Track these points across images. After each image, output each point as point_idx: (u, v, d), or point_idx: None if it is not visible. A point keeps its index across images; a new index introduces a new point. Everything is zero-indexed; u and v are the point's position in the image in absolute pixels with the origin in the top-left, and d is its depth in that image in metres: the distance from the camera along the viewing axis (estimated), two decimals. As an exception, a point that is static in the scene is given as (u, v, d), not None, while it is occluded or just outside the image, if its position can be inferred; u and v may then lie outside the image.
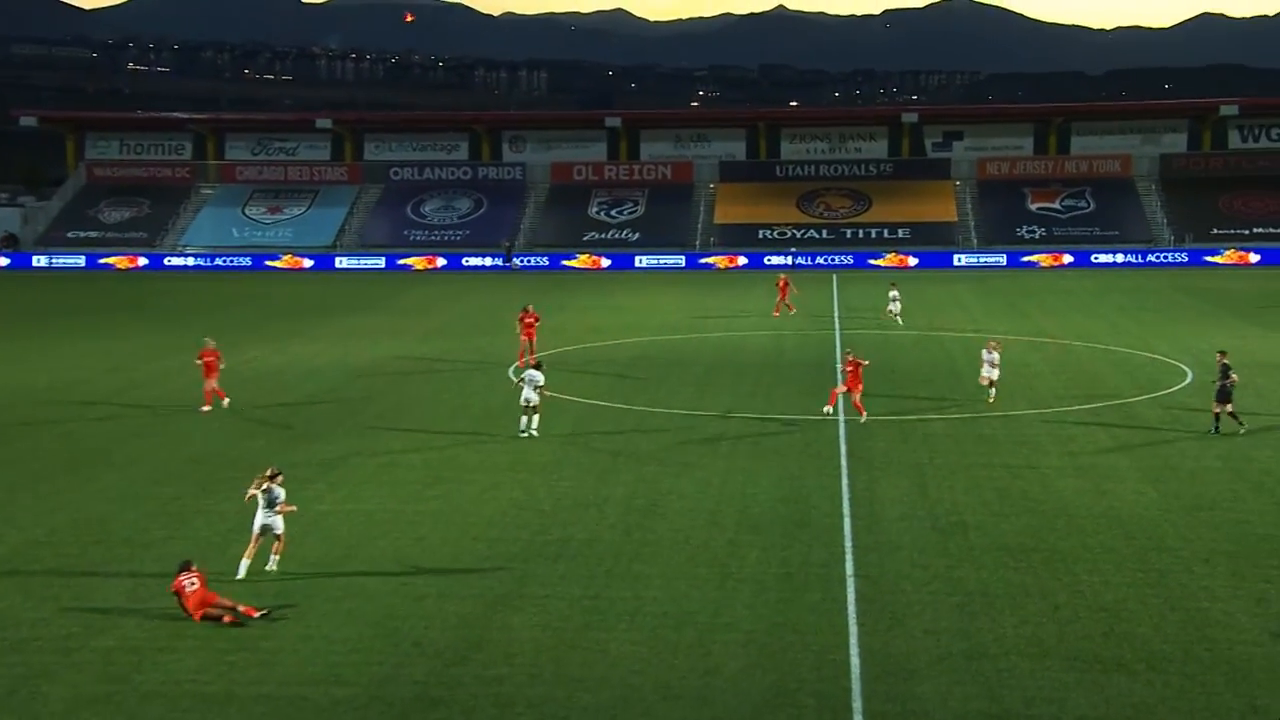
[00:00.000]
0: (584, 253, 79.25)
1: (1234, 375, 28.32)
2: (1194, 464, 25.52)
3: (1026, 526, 21.42)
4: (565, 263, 78.28)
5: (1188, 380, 35.13)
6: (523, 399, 28.60)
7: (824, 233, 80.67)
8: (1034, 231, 78.64)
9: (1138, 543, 20.42)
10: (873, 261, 75.49)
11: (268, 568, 19.19)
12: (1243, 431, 27.90)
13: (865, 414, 29.87)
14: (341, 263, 79.46)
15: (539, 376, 28.73)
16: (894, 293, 50.13)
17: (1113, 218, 78.76)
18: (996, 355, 32.48)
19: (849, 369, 30.18)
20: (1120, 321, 48.33)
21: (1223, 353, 29.58)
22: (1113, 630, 16.64)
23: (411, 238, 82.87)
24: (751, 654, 16.15)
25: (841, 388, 30.59)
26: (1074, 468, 25.38)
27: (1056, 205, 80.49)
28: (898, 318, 48.76)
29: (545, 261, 78.58)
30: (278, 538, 19.28)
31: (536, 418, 28.65)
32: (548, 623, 17.25)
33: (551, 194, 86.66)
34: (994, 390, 32.18)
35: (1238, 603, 17.55)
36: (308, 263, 79.50)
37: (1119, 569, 19.15)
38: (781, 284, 52.99)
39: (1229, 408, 28.13)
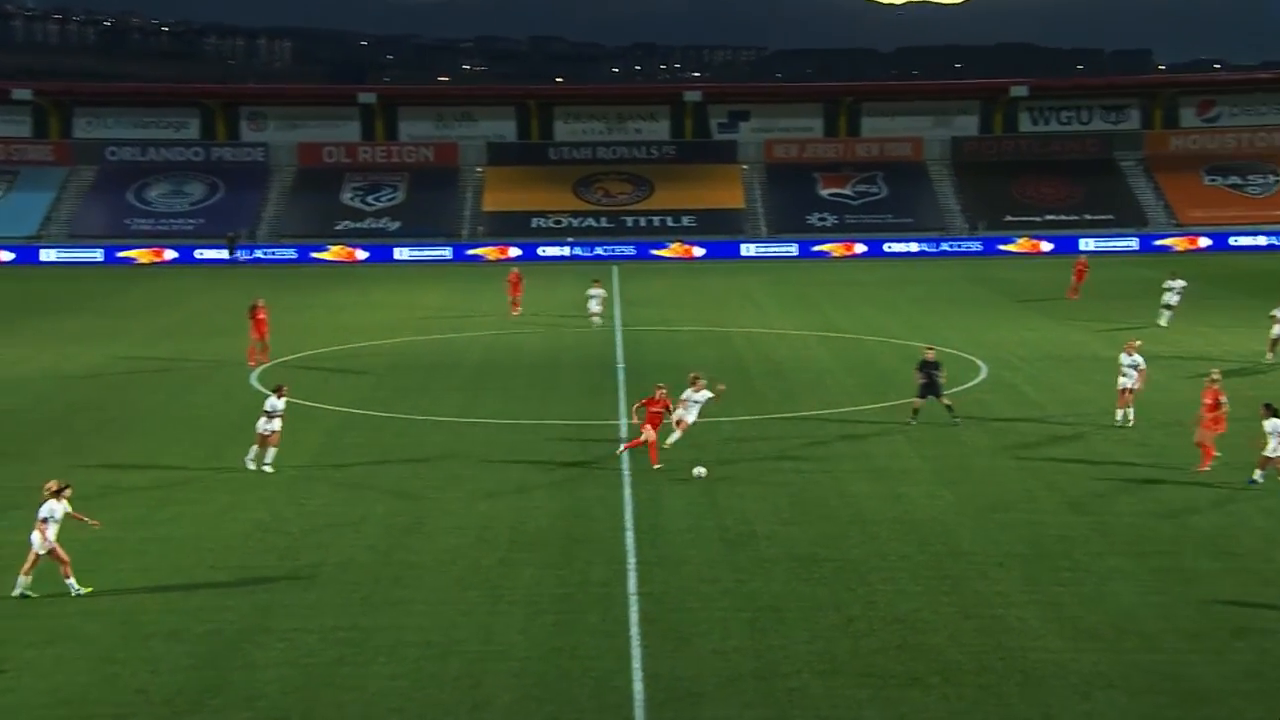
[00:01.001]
0: (337, 244, 77.72)
1: (944, 373, 30.63)
2: (988, 463, 26.87)
3: (820, 535, 22.13)
4: (316, 255, 76.61)
5: (982, 376, 36.96)
6: (260, 427, 26.54)
7: (603, 220, 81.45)
8: (825, 219, 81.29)
9: (932, 548, 21.36)
10: (656, 252, 76.63)
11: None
12: (957, 422, 29.91)
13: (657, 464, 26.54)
14: (47, 255, 75.73)
15: (279, 404, 26.51)
16: (597, 290, 48.42)
17: (905, 204, 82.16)
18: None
19: (657, 407, 26.94)
20: (913, 315, 50.48)
21: (930, 347, 31.74)
22: (907, 642, 17.36)
23: (134, 227, 79.58)
24: (525, 684, 16.17)
25: (648, 432, 26.75)
26: (868, 471, 26.37)
27: (848, 191, 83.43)
28: (596, 318, 47.58)
29: (293, 254, 76.74)
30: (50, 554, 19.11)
31: (273, 451, 26.47)
32: (296, 659, 16.87)
33: (299, 178, 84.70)
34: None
35: (1032, 608, 18.57)
36: (6, 255, 75.49)
37: (914, 577, 19.99)
38: (513, 279, 51.86)
39: (943, 400, 30.15)
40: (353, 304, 56.05)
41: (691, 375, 28.29)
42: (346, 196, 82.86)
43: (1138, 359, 29.88)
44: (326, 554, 21.15)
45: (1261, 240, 74.68)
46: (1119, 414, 30.01)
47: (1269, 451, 24.07)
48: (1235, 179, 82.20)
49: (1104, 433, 29.40)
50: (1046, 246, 75.58)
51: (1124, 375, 29.93)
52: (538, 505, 24.02)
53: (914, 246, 76.53)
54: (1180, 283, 45.56)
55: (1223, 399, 26.20)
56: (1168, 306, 45.16)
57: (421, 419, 31.79)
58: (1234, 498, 23.88)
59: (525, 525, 22.77)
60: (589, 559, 20.93)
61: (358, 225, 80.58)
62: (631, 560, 20.82)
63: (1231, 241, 74.70)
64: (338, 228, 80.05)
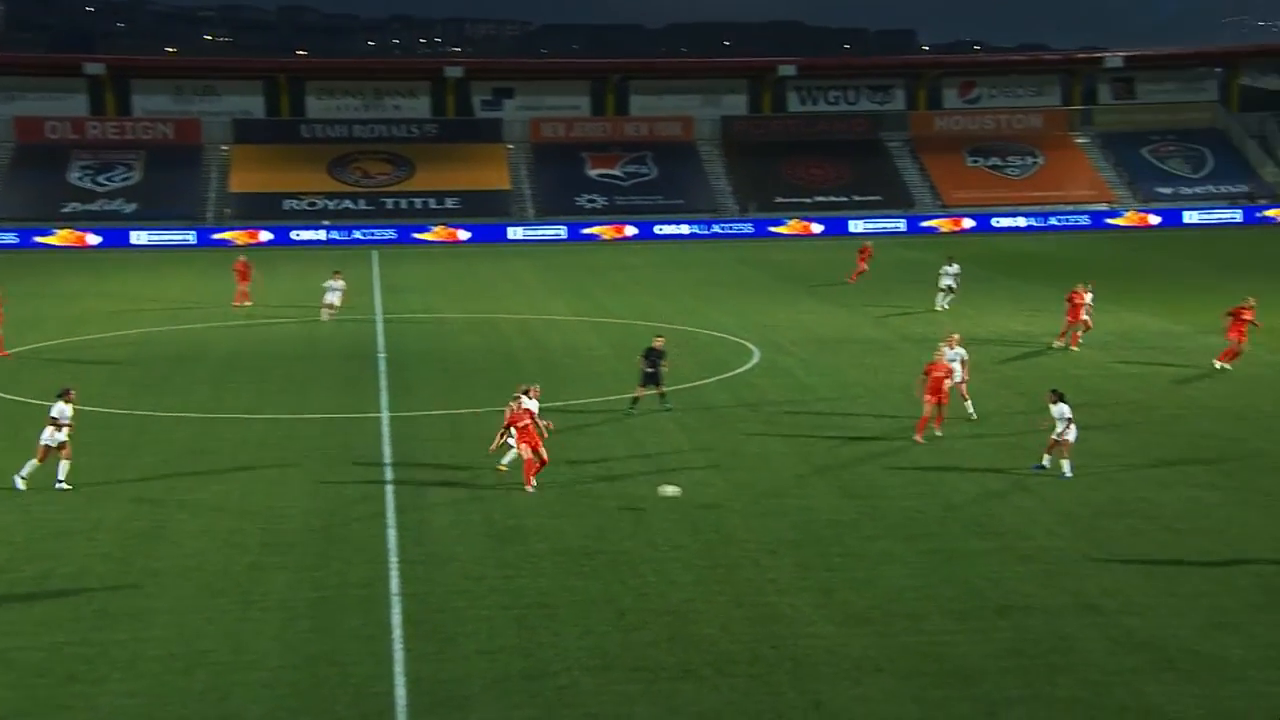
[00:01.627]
0: (64, 227, 74.43)
1: (667, 363, 30.93)
2: (760, 449, 27.51)
3: (590, 527, 22.28)
4: (40, 240, 73.18)
5: (754, 360, 37.82)
6: (44, 439, 24.37)
7: (361, 202, 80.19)
8: (594, 201, 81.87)
9: (705, 537, 21.76)
10: (419, 236, 75.83)
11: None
12: (670, 408, 30.53)
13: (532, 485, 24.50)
14: None
15: (67, 411, 24.49)
16: (336, 282, 46.31)
17: (676, 185, 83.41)
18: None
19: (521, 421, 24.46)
20: (685, 299, 51.31)
21: (659, 336, 32.09)
22: (679, 634, 17.65)
23: None
24: (278, 694, 15.82)
25: (524, 450, 24.59)
26: (639, 459, 26.68)
27: (618, 171, 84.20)
28: (328, 310, 45.67)
29: (13, 239, 73.08)
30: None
31: (65, 465, 24.33)
32: (20, 680, 16.11)
33: (18, 155, 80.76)
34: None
35: (803, 594, 19.11)
36: None
37: (686, 567, 20.33)
38: (240, 267, 50.13)
39: (660, 389, 30.66)
40: (85, 292, 53.79)
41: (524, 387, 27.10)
42: (74, 176, 79.40)
43: (960, 351, 30.03)
44: (55, 564, 20.25)
45: (1021, 221, 78.48)
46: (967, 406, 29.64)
47: (1056, 435, 25.01)
48: (996, 160, 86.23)
49: (875, 417, 30.42)
50: (817, 228, 77.82)
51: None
52: (292, 505, 23.51)
53: (685, 229, 77.79)
54: (955, 267, 47.33)
55: (940, 372, 28.06)
56: (945, 290, 46.82)
57: (164, 415, 30.74)
58: (997, 480, 25.03)
59: (279, 526, 22.26)
60: (348, 559, 20.60)
61: (88, 207, 77.35)
62: (394, 559, 20.58)
63: (994, 223, 78.29)
64: (65, 210, 76.68)
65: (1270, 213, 78.20)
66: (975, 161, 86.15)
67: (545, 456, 24.53)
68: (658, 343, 31.30)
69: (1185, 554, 20.51)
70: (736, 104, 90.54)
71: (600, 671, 16.51)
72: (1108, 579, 19.51)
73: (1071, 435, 24.90)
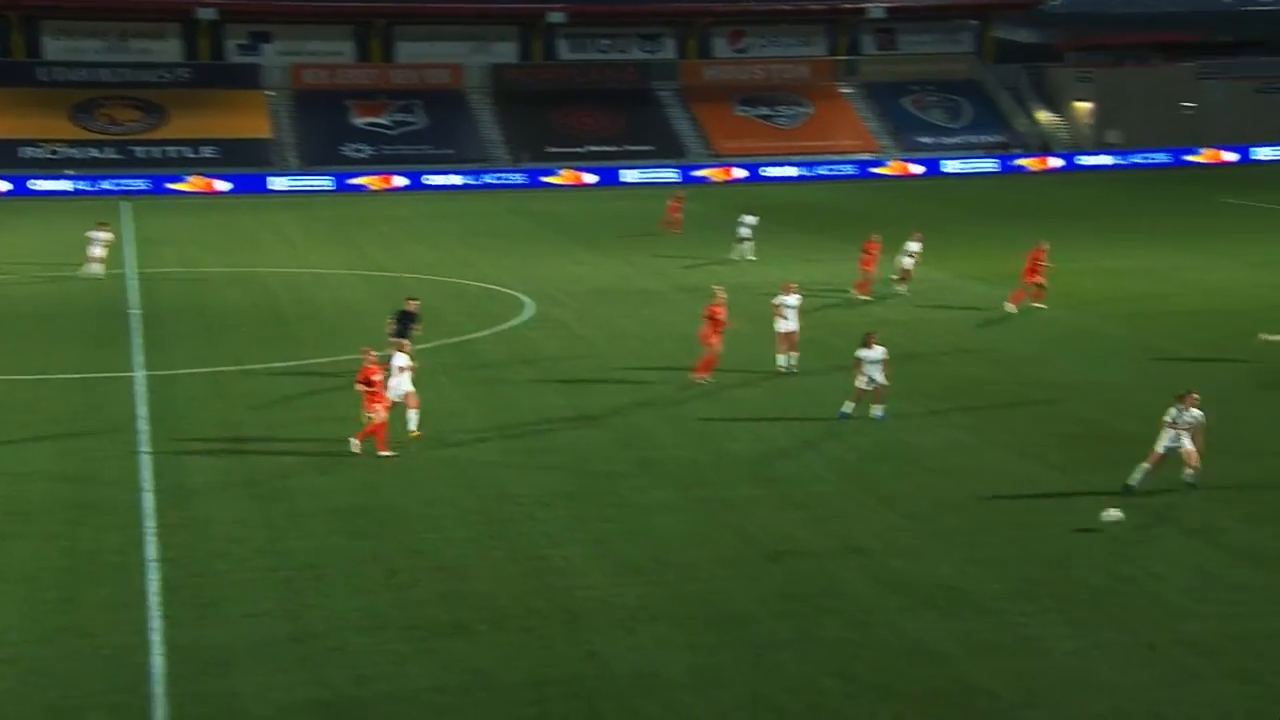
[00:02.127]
0: None
1: (419, 326, 29.36)
2: (534, 402, 27.49)
3: (360, 484, 21.97)
4: None
5: (528, 313, 37.75)
6: None
7: (108, 151, 76.85)
8: (361, 150, 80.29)
9: (478, 492, 21.69)
10: (173, 186, 73.14)
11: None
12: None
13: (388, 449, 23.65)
14: None
15: None
16: (101, 233, 44.19)
17: (446, 135, 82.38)
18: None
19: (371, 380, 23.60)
20: (458, 250, 50.82)
21: (414, 298, 30.29)
22: (452, 591, 17.58)
23: None
24: (22, 670, 15.20)
25: (378, 412, 23.52)
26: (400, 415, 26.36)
27: (384, 120, 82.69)
28: (95, 265, 43.50)
29: None
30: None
31: None
32: None
33: None
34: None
35: (577, 547, 19.24)
36: None
37: (459, 523, 20.24)
38: None
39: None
40: None
41: (395, 341, 26.12)
42: None
43: (797, 298, 30.04)
44: None
45: (792, 171, 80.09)
46: (780, 359, 29.77)
47: (862, 384, 25.48)
48: (765, 110, 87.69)
49: (650, 368, 30.71)
50: (589, 179, 77.94)
51: (784, 318, 29.68)
52: (36, 470, 22.55)
53: (456, 179, 76.92)
54: (753, 218, 47.86)
55: (722, 315, 28.72)
56: (741, 240, 47.35)
57: (-107, 380, 29.06)
58: (770, 428, 25.57)
59: (23, 494, 21.32)
60: (100, 526, 19.87)
61: None
62: (150, 524, 19.93)
63: (764, 172, 79.70)
64: None
65: (1023, 162, 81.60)
66: (745, 111, 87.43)
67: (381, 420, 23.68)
68: (411, 305, 29.93)
69: (944, 494, 21.34)
70: (506, 51, 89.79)
71: (371, 632, 16.32)
72: (874, 522, 20.18)
73: (880, 378, 25.38)
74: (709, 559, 18.75)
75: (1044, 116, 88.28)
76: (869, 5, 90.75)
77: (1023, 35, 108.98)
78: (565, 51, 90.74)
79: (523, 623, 16.60)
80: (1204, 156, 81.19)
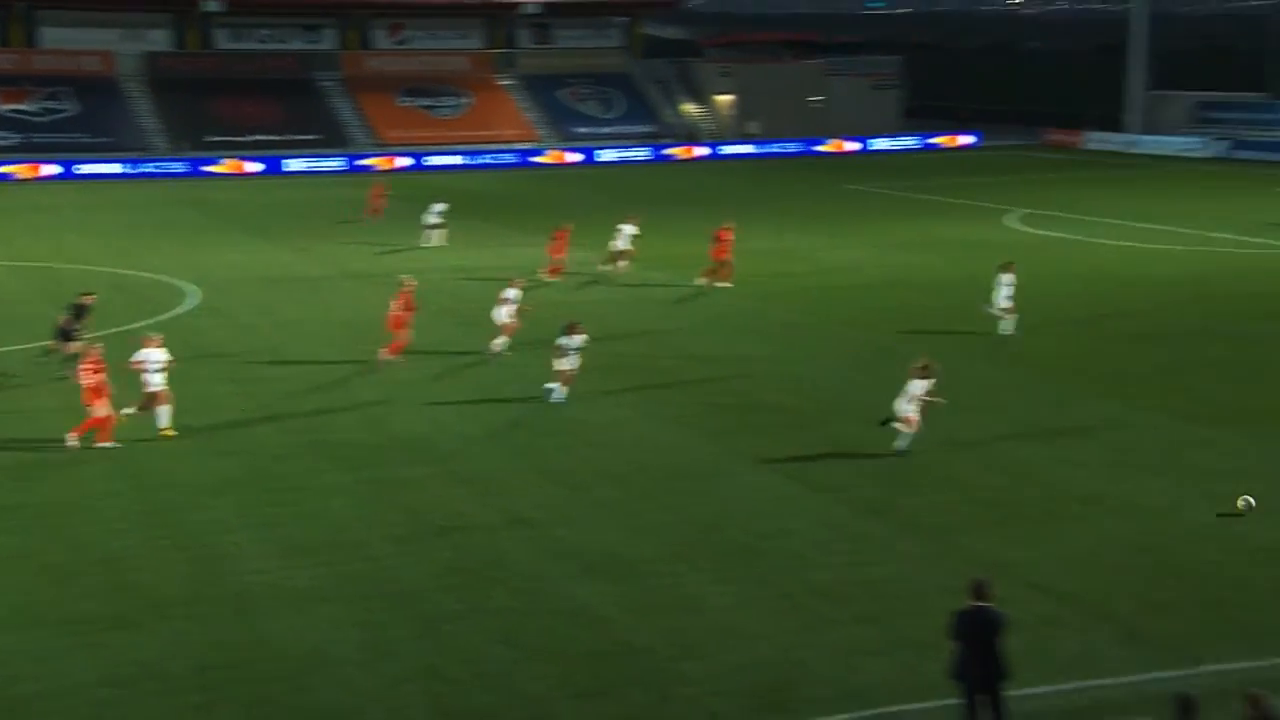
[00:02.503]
0: None
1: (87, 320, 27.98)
2: (202, 390, 26.30)
3: (14, 479, 20.65)
4: None
5: (193, 301, 36.22)
6: None
7: None
8: (7, 138, 75.25)
9: (144, 482, 20.72)
10: None
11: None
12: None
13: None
14: None
15: None
16: None
17: (101, 123, 78.06)
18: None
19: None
20: (117, 240, 48.31)
21: (89, 293, 29.26)
22: (116, 583, 16.73)
23: None
24: None
25: (99, 407, 22.31)
26: (68, 410, 24.85)
27: (30, 107, 77.69)
28: None
29: None
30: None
31: None
32: None
33: None
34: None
35: (247, 532, 18.61)
36: None
37: (124, 515, 19.28)
38: None
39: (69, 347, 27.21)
40: None
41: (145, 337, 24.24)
42: None
43: (516, 292, 29.46)
44: None
45: (457, 159, 79.72)
46: (496, 343, 28.93)
47: (565, 366, 25.24)
48: (427, 100, 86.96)
49: (320, 355, 29.97)
50: (253, 167, 75.35)
51: (505, 308, 28.98)
52: None
53: (115, 168, 72.97)
54: (442, 205, 47.18)
55: (409, 301, 28.52)
56: (431, 227, 46.37)
57: None
58: (440, 410, 25.35)
59: None
60: None
61: None
62: None
63: (428, 161, 79.01)
64: None
65: (672, 150, 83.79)
66: (408, 101, 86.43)
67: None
68: (87, 299, 28.65)
69: (606, 466, 21.69)
70: (160, 39, 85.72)
71: (27, 629, 15.35)
72: (539, 494, 20.33)
73: (568, 365, 25.27)
74: (379, 538, 18.48)
75: (690, 108, 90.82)
76: (524, 1, 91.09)
77: (670, 32, 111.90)
78: (224, 41, 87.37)
79: (188, 610, 15.94)
80: (830, 146, 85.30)
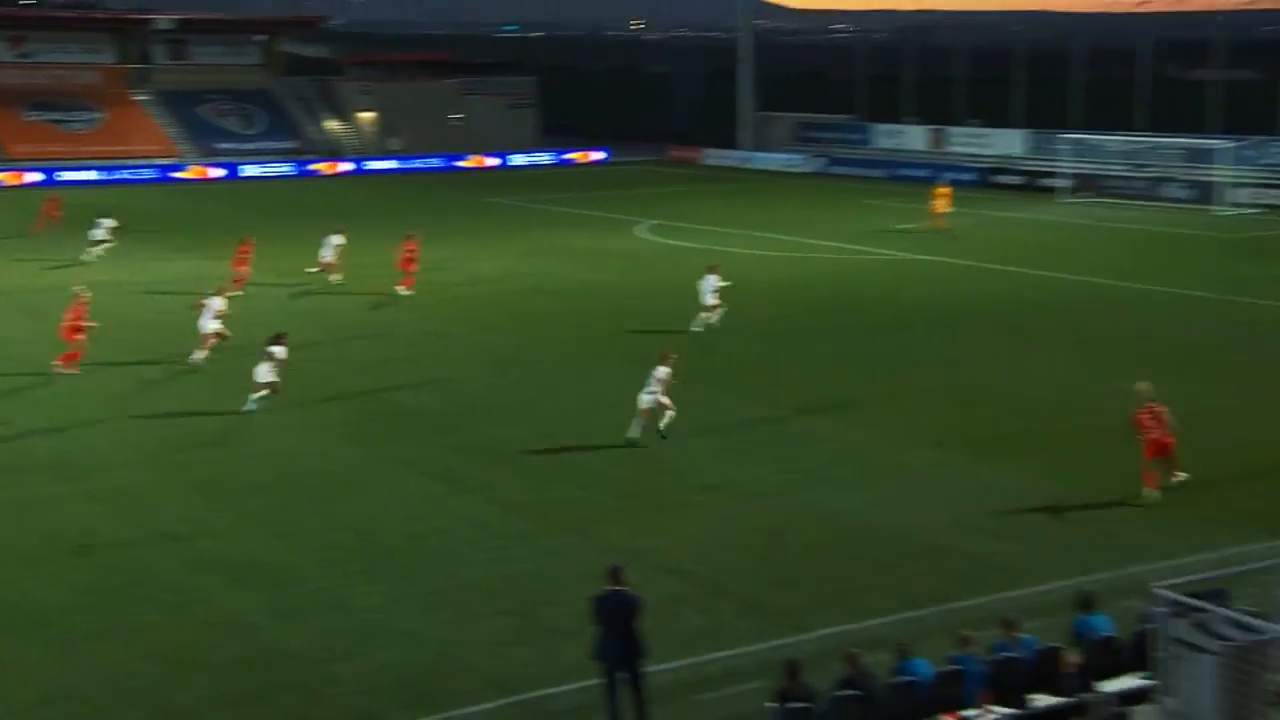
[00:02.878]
0: None
1: None
2: None
3: None
4: None
5: None
6: None
7: None
8: None
9: None
10: None
11: None
12: None
13: None
14: None
15: None
16: None
17: None
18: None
19: None
20: None
21: None
22: None
23: None
24: None
25: None
26: None
27: None
28: None
29: None
30: None
31: None
32: None
33: None
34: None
35: None
36: None
37: None
38: None
39: None
40: None
41: None
42: None
43: (218, 303, 28.70)
44: None
45: (91, 175, 75.14)
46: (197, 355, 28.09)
47: (261, 378, 24.30)
48: (58, 114, 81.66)
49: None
50: None
51: (207, 317, 28.26)
52: None
53: None
54: (110, 221, 44.62)
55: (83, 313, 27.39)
56: (96, 243, 43.79)
57: None
58: (87, 429, 23.77)
59: None
60: None
61: None
62: None
63: (60, 176, 74.15)
64: None
65: (317, 166, 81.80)
66: (36, 116, 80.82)
67: None
68: None
69: (254, 477, 20.94)
70: None
71: None
72: (186, 508, 19.44)
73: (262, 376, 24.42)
74: (13, 559, 17.22)
75: (333, 125, 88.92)
76: (156, 18, 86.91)
77: (311, 50, 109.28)
78: None
79: None
80: (472, 162, 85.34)
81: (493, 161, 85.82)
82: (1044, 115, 71.07)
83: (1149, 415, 19.50)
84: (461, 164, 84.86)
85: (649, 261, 44.01)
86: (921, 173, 70.43)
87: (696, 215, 56.51)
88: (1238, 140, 57.90)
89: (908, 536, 18.29)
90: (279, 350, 24.95)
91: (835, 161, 76.99)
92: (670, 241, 49.23)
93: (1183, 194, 58.17)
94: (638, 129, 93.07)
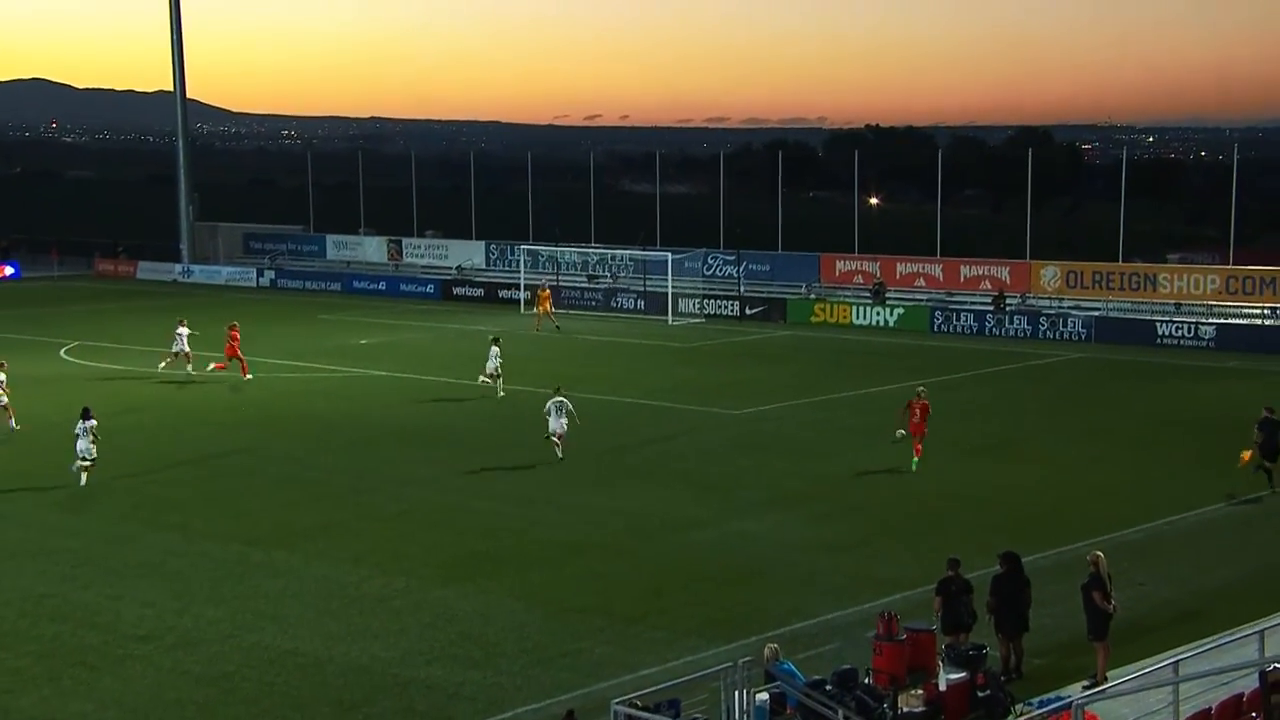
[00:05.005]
0: None
1: None
2: None
3: None
4: None
5: None
6: None
7: None
8: None
9: None
10: None
11: None
12: None
13: None
14: None
15: None
16: None
17: None
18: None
19: None
20: None
21: None
22: None
23: None
24: None
25: None
26: None
27: None
28: None
29: None
30: None
31: None
32: None
33: None
34: None
35: None
36: None
37: None
38: None
39: None
40: None
41: None
42: None
43: None
44: None
45: None
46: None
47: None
48: None
49: None
50: None
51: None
52: None
53: None
54: None
55: None
56: None
57: None
58: None
59: None
60: None
61: None
62: None
63: None
64: None
65: None
66: None
67: None
68: None
69: None
70: None
71: None
72: None
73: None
74: None
75: None
76: None
77: None
78: None
79: None
80: None
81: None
82: (502, 227, 73.92)
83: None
84: None
85: (76, 386, 41.32)
86: (379, 285, 71.17)
87: (127, 335, 53.79)
88: (678, 252, 62.20)
89: (368, 672, 18.02)
90: (89, 423, 28.27)
91: (286, 274, 75.95)
92: (100, 365, 46.56)
93: (632, 304, 61.96)
94: (61, 240, 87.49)
